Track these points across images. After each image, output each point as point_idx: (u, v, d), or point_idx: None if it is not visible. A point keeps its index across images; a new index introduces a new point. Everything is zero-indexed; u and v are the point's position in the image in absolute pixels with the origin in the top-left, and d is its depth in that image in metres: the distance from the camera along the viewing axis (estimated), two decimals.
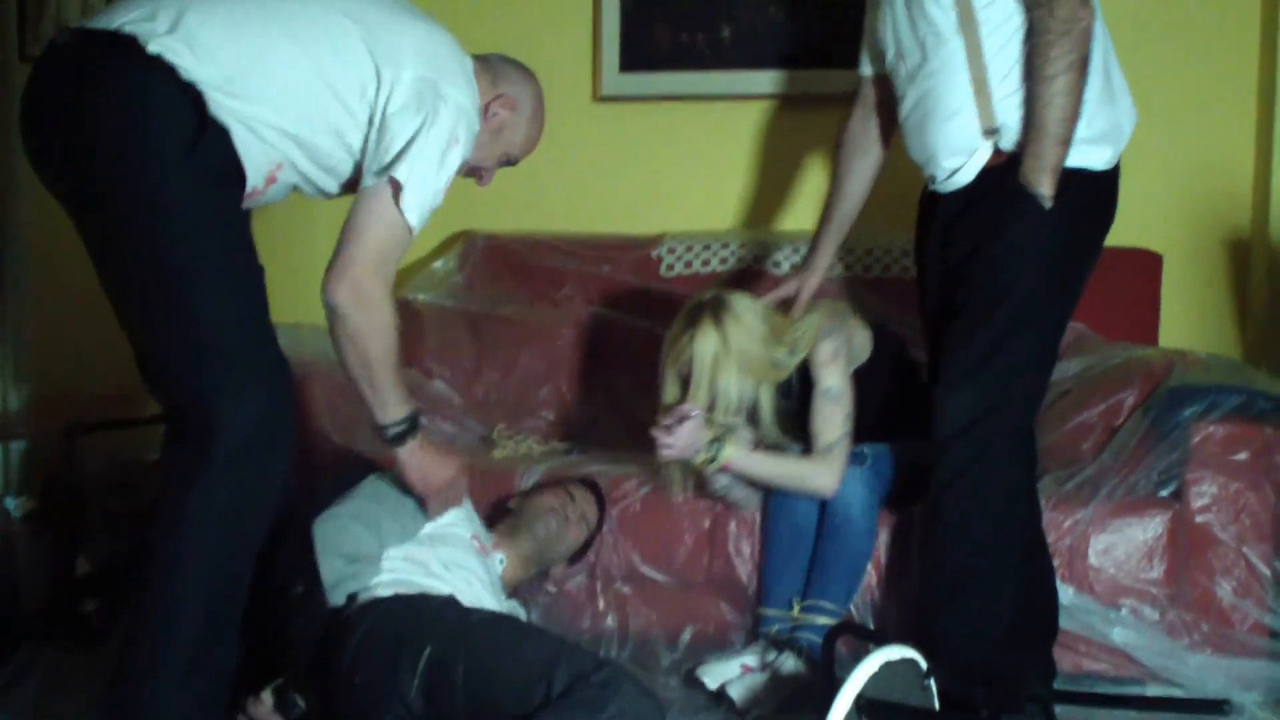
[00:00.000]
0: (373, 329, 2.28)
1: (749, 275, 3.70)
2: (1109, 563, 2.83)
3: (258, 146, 2.24)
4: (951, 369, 2.58)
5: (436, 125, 2.28)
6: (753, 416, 2.88)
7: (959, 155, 2.59)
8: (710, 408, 2.84)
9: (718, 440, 2.84)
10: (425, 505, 2.64)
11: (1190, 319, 3.60)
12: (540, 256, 3.87)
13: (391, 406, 2.41)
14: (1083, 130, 2.48)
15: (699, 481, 2.96)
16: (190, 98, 2.14)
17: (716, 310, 2.83)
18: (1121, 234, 3.48)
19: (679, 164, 4.01)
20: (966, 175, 2.59)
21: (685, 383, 2.86)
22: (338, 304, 2.25)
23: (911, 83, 2.65)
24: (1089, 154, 2.52)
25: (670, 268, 3.79)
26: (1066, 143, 2.45)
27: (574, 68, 4.04)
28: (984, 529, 2.55)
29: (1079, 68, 2.43)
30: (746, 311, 2.85)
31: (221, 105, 2.17)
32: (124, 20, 2.17)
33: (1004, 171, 2.52)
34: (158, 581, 2.18)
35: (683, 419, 2.81)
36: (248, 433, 2.17)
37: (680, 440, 2.81)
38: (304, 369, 3.23)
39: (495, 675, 2.21)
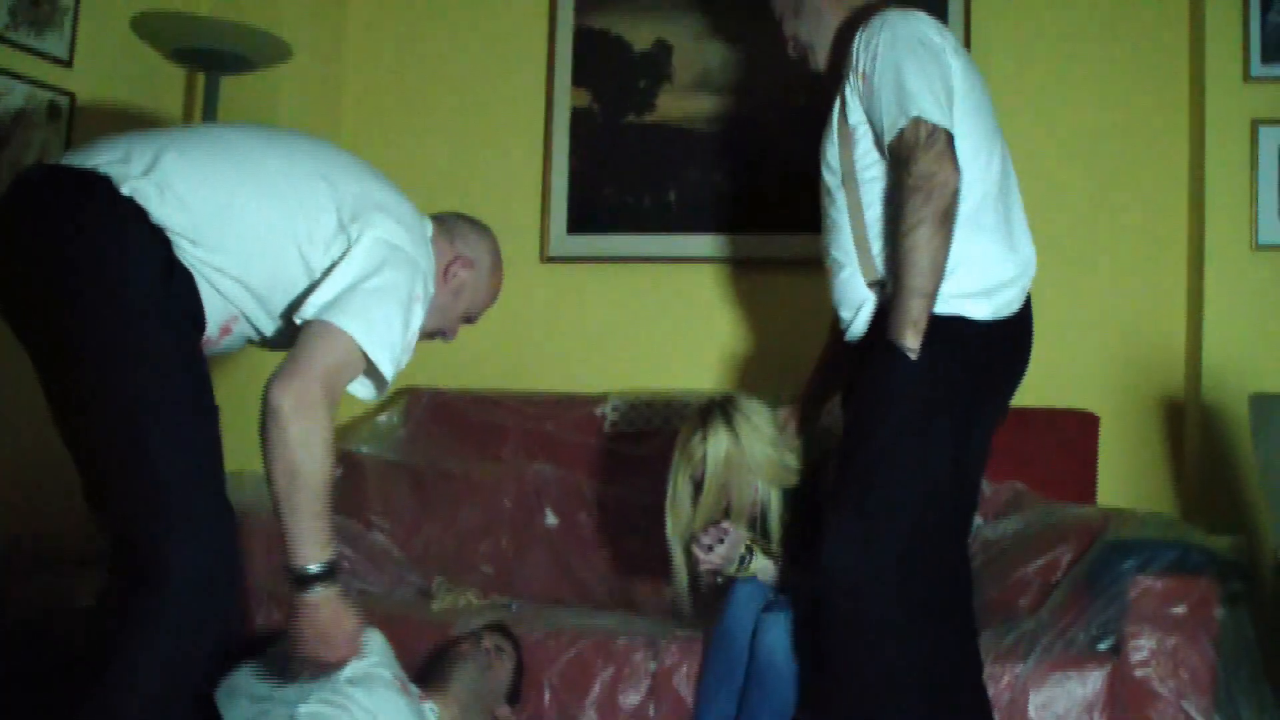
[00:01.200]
0: (309, 441, 2.16)
1: None
2: (1049, 717, 2.80)
3: (216, 298, 2.24)
4: (829, 509, 2.60)
5: (398, 277, 2.30)
6: (763, 521, 2.95)
7: (850, 308, 2.65)
8: (726, 511, 2.91)
9: (749, 551, 2.90)
10: (300, 663, 2.37)
11: (1127, 478, 3.63)
12: (484, 413, 3.88)
13: (310, 544, 2.20)
14: (960, 282, 2.50)
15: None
16: (160, 240, 2.15)
17: (728, 410, 2.93)
18: (1059, 395, 3.59)
19: (624, 323, 4.06)
20: (859, 326, 2.65)
21: (698, 485, 2.93)
22: (280, 405, 2.14)
23: (824, 237, 2.74)
24: (966, 305, 2.52)
25: (614, 425, 3.80)
26: (926, 295, 2.45)
27: (523, 228, 4.12)
28: (858, 668, 2.55)
29: (935, 222, 2.43)
30: (755, 413, 2.94)
31: (186, 252, 2.17)
32: (99, 161, 2.17)
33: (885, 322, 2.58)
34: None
35: (723, 533, 2.88)
36: (196, 577, 2.10)
37: (720, 555, 2.89)
38: (242, 516, 3.21)
39: None
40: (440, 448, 3.82)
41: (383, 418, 3.90)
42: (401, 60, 4.29)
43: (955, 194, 2.45)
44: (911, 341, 2.46)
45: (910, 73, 2.49)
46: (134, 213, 2.14)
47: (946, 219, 2.44)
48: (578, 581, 3.59)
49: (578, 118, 4.13)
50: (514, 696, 2.94)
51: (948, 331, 2.50)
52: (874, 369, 2.54)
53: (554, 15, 4.16)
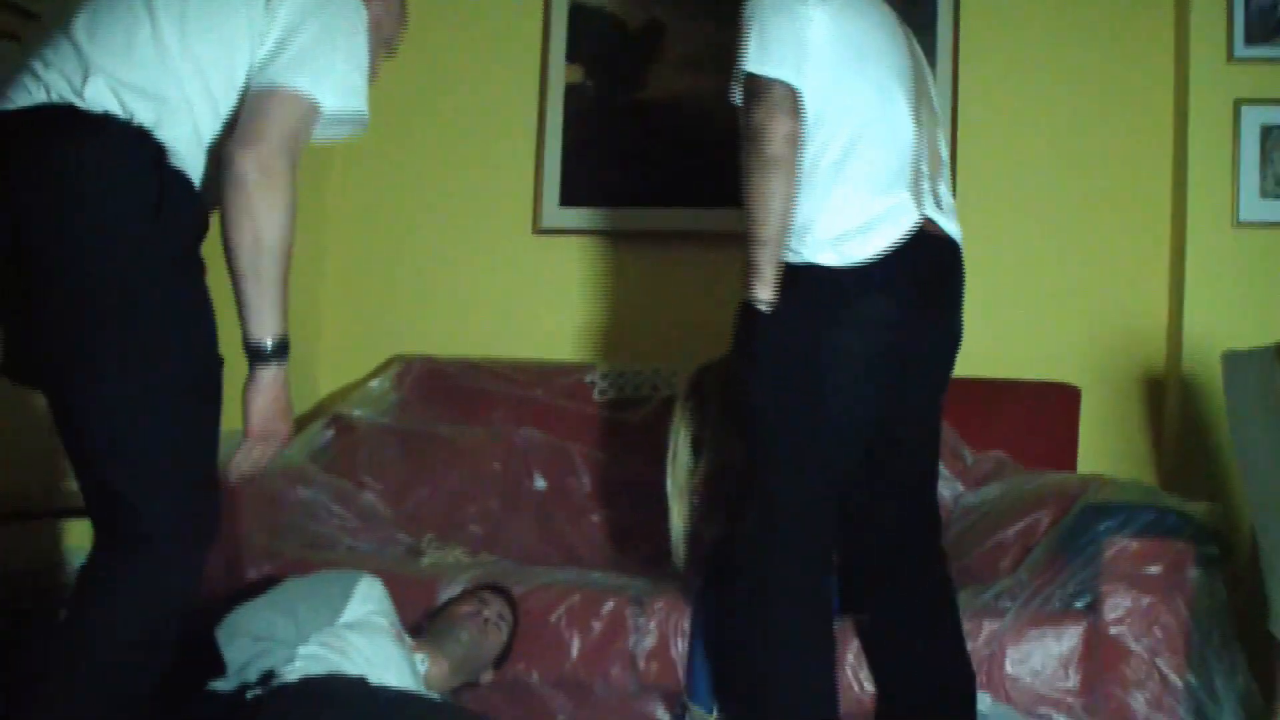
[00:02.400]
0: (275, 209, 2.10)
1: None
2: (1025, 672, 2.83)
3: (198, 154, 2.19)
4: None
5: (331, 19, 2.22)
6: None
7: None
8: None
9: None
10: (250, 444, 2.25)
11: (1108, 451, 3.68)
12: (474, 379, 3.93)
13: (272, 315, 2.15)
14: (815, 233, 2.50)
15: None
16: (142, 154, 2.10)
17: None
18: (1041, 368, 3.64)
19: (614, 296, 4.11)
20: None
21: (697, 445, 3.00)
22: (245, 173, 2.08)
23: None
24: (818, 254, 2.50)
25: (603, 393, 3.85)
26: (765, 243, 2.45)
27: (517, 201, 4.18)
28: (737, 619, 2.66)
29: (763, 171, 2.43)
30: None
31: (160, 120, 2.12)
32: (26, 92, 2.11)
33: None
34: (58, 674, 2.10)
35: None
36: (181, 542, 2.12)
37: None
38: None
39: None
40: (431, 413, 3.87)
41: (375, 383, 3.95)
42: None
43: (785, 142, 2.43)
44: (760, 292, 2.47)
45: (755, 27, 2.49)
46: (104, 135, 2.08)
47: (774, 167, 2.42)
48: (565, 544, 3.63)
49: (571, 93, 4.18)
50: (501, 661, 2.99)
51: (800, 280, 2.49)
52: (735, 325, 2.57)
53: None
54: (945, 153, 2.76)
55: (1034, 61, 3.86)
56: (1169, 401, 3.66)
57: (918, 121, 2.61)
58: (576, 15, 4.20)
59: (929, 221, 2.57)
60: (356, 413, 3.80)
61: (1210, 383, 3.45)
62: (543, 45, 4.21)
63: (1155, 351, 3.72)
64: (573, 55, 4.20)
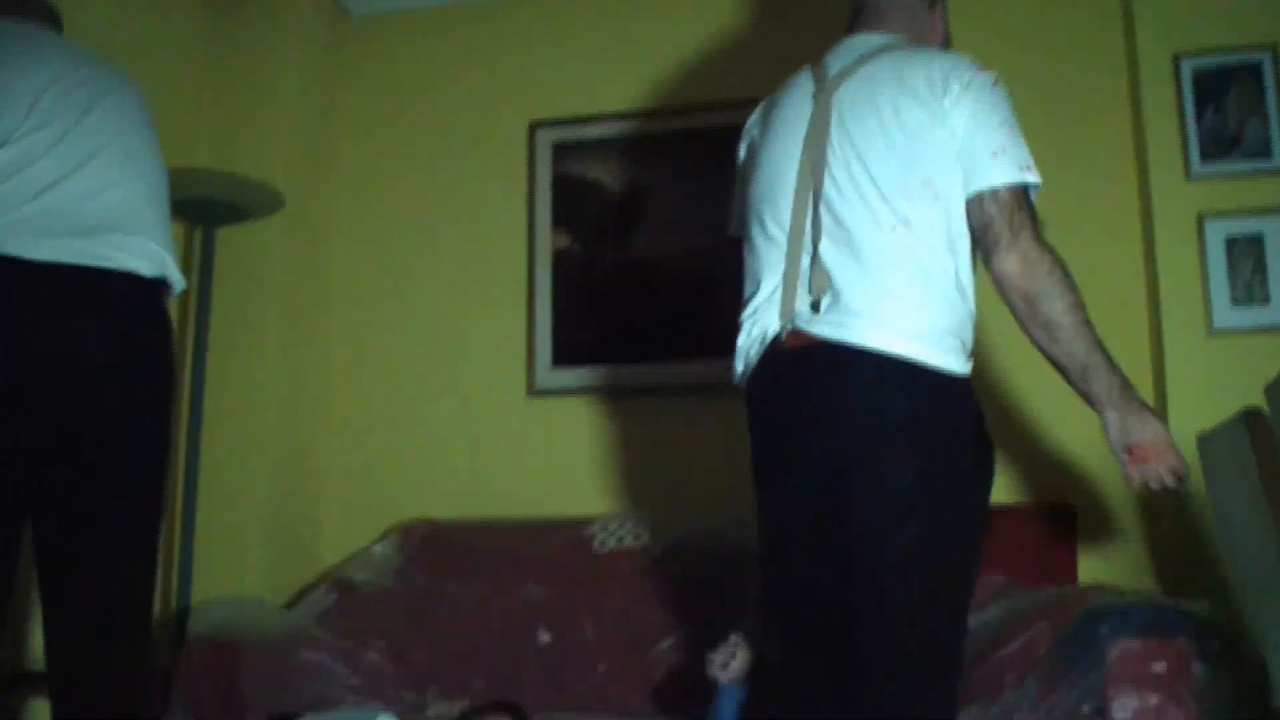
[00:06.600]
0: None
1: (681, 549, 3.79)
2: None
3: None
4: None
5: None
6: None
7: None
8: None
9: None
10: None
11: (1107, 567, 3.65)
12: (476, 540, 3.96)
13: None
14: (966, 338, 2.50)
15: None
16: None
17: None
18: (1036, 488, 3.67)
19: (607, 451, 4.17)
20: None
21: None
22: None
23: None
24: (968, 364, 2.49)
25: (603, 544, 3.87)
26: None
27: (510, 364, 4.28)
28: None
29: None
30: None
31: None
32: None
33: None
34: None
35: (735, 649, 3.05)
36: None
37: (734, 670, 3.02)
38: (236, 640, 3.29)
39: None
40: (434, 574, 3.88)
41: (378, 548, 3.98)
42: (388, 210, 4.49)
43: None
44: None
45: (1009, 123, 2.46)
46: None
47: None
48: (573, 694, 3.60)
49: (558, 257, 4.31)
50: None
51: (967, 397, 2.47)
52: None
53: (532, 162, 4.38)
54: None
55: None
56: (1163, 512, 3.67)
57: None
58: (560, 183, 4.36)
59: None
60: (359, 576, 3.82)
61: (1199, 490, 3.47)
62: (529, 214, 4.36)
63: None
64: (558, 221, 4.34)
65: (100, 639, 2.40)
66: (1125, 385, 2.40)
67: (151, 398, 2.52)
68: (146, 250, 2.50)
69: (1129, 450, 2.42)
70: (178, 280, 2.61)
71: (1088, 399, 2.44)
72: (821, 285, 2.39)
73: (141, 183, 2.59)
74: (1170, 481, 2.41)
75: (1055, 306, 2.37)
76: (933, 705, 2.36)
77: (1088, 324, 2.40)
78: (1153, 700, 2.83)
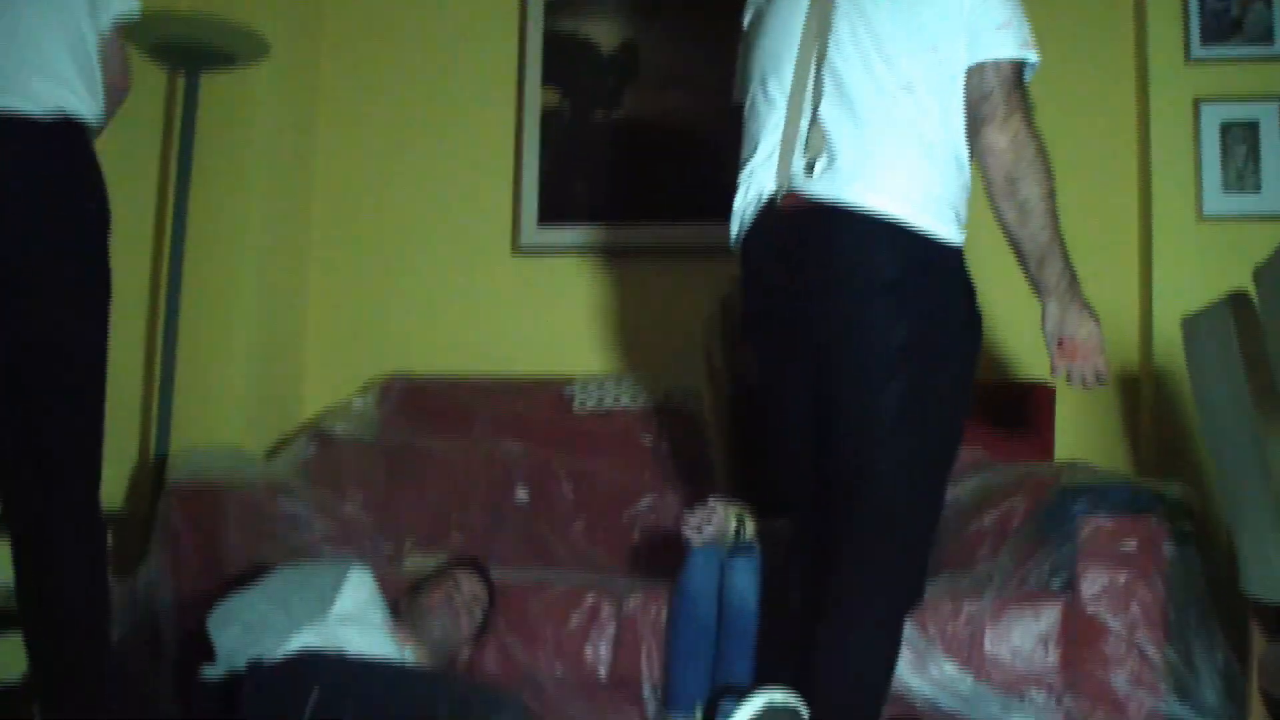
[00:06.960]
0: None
1: (662, 411, 3.82)
2: (1005, 652, 2.85)
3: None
4: None
5: None
6: None
7: None
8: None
9: (740, 522, 3.04)
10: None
11: (1084, 447, 3.69)
12: (455, 396, 3.97)
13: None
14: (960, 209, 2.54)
15: None
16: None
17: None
18: (1018, 368, 3.69)
19: (592, 311, 4.17)
20: None
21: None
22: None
23: None
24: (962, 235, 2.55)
25: (582, 404, 3.88)
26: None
27: (496, 221, 4.24)
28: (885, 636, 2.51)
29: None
30: None
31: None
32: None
33: None
34: None
35: (711, 513, 3.05)
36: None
37: (710, 534, 3.03)
38: (215, 488, 3.30)
39: (386, 711, 2.21)
40: (413, 429, 3.90)
41: (358, 401, 3.98)
42: (376, 59, 4.41)
43: None
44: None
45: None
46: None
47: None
48: (549, 552, 3.65)
49: (547, 115, 4.26)
50: (479, 636, 3.00)
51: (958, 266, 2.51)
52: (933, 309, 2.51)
53: (524, 18, 4.30)
54: None
55: None
56: (1142, 395, 3.70)
57: None
58: (552, 40, 4.28)
59: None
60: (339, 428, 3.83)
61: (1181, 375, 3.49)
62: (519, 69, 4.29)
63: (1128, 347, 3.75)
64: (549, 77, 4.27)
65: (44, 491, 2.39)
66: (1073, 281, 2.46)
67: (60, 239, 2.43)
68: (29, 89, 2.39)
69: (1060, 343, 2.46)
70: (89, 114, 2.51)
71: (1036, 285, 2.48)
72: (818, 146, 2.39)
73: (31, 10, 2.45)
74: (1091, 382, 2.48)
75: (1034, 191, 2.41)
76: (913, 556, 2.46)
77: (1055, 214, 2.45)
78: (1122, 577, 2.89)
